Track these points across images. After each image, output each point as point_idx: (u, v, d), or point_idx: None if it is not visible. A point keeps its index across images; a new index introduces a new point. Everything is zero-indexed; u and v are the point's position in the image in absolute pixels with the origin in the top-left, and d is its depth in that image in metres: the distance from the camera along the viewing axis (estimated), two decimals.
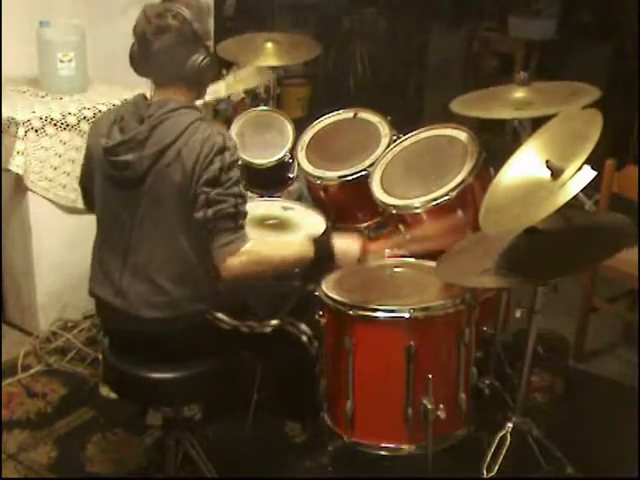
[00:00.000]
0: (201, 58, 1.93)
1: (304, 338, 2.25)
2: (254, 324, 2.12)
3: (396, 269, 2.39)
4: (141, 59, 1.95)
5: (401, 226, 2.53)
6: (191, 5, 1.92)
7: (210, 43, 2.00)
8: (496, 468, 2.20)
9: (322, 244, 2.06)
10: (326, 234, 2.16)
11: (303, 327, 2.24)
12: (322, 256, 2.04)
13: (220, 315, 2.05)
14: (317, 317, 2.22)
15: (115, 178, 1.97)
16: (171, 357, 2.03)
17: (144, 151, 1.90)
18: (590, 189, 1.92)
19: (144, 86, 2.04)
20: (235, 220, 1.91)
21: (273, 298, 2.24)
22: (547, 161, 1.91)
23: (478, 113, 2.42)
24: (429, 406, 2.08)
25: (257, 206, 2.69)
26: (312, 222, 2.71)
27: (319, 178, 2.78)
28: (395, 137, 2.77)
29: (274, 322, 2.16)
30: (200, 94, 2.06)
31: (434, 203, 2.42)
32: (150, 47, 1.90)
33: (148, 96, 2.00)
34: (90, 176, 2.09)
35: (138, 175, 1.92)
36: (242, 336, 2.11)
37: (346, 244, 2.09)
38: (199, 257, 1.97)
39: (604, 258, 2.19)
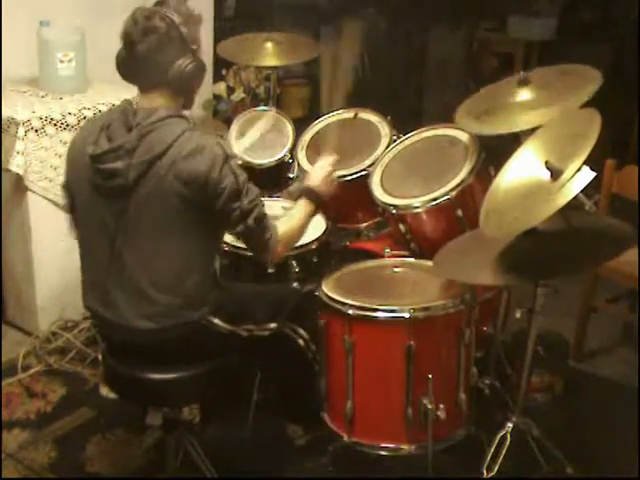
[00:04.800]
0: (187, 62, 1.92)
1: (301, 342, 2.25)
2: (252, 327, 2.12)
3: (396, 269, 2.39)
4: (127, 62, 1.94)
5: (401, 226, 2.53)
6: (180, 10, 1.92)
7: (199, 49, 1.98)
8: (496, 468, 2.20)
9: (310, 194, 2.25)
10: (304, 187, 2.30)
11: (301, 331, 2.25)
12: (318, 201, 2.25)
13: (216, 320, 2.04)
14: (317, 317, 2.23)
15: (101, 187, 1.95)
16: (169, 361, 2.03)
17: (132, 160, 1.88)
18: (590, 189, 1.92)
19: (137, 97, 2.01)
20: (267, 215, 2.04)
21: (271, 302, 2.24)
22: (546, 162, 1.91)
23: (486, 129, 2.40)
24: (429, 406, 2.08)
25: None
26: (312, 222, 2.71)
27: None
28: (395, 137, 2.78)
29: (272, 325, 2.16)
30: (188, 102, 2.04)
31: (434, 203, 2.42)
32: (136, 49, 1.89)
33: (134, 101, 1.98)
34: (69, 183, 2.08)
35: (126, 184, 1.89)
36: (240, 339, 2.11)
37: (317, 176, 2.31)
38: (196, 265, 1.98)
39: (603, 262, 2.19)
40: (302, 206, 2.22)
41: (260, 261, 2.15)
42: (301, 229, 2.20)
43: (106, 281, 2.00)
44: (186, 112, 2.03)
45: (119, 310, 1.99)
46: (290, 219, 2.18)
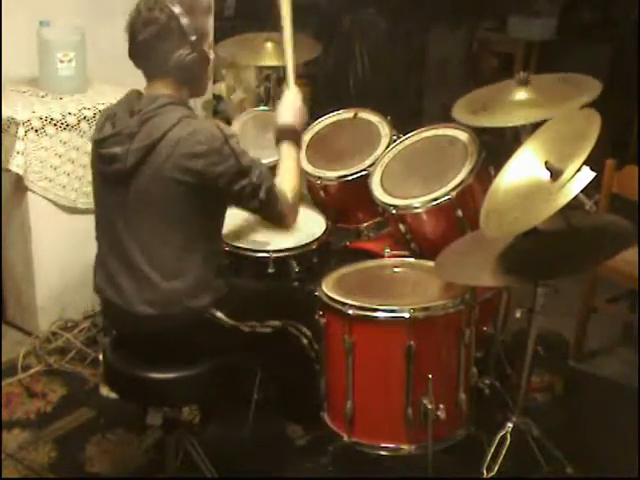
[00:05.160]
0: (186, 53, 1.94)
1: (304, 340, 2.25)
2: (255, 323, 2.13)
3: (396, 269, 2.39)
4: (131, 52, 1.99)
5: (401, 226, 2.53)
6: (184, 1, 1.94)
7: (204, 39, 1.99)
8: (496, 468, 2.20)
9: (288, 134, 2.20)
10: (279, 128, 2.23)
11: (304, 329, 2.25)
12: (296, 137, 2.22)
13: (219, 314, 2.05)
14: (317, 317, 2.23)
15: (103, 172, 2.00)
16: (171, 356, 2.03)
17: (132, 145, 1.91)
18: (590, 189, 1.92)
19: (144, 86, 2.05)
20: (275, 184, 2.05)
21: (274, 300, 2.24)
22: (546, 162, 1.91)
23: (482, 122, 2.41)
24: (429, 406, 2.08)
25: None
26: (312, 222, 2.72)
27: (319, 178, 2.78)
28: (395, 137, 2.77)
29: (275, 323, 2.16)
30: (197, 89, 2.07)
31: (434, 203, 2.42)
32: (137, 38, 1.94)
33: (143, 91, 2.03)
34: None
35: (124, 169, 1.93)
36: (243, 335, 2.11)
37: (287, 112, 2.22)
38: (196, 250, 1.98)
39: (604, 260, 2.19)
40: (286, 152, 2.18)
41: (280, 229, 2.16)
42: (298, 177, 2.18)
43: (112, 265, 2.03)
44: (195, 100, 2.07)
45: (124, 293, 2.01)
46: (286, 174, 2.14)
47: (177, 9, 1.92)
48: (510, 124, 2.37)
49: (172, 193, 1.91)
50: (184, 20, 1.92)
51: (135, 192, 1.94)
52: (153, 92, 1.98)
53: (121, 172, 1.94)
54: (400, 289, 2.30)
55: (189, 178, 1.90)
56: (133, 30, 1.95)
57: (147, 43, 1.94)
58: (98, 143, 1.98)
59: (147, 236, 1.97)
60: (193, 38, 1.94)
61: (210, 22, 2.05)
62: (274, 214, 2.08)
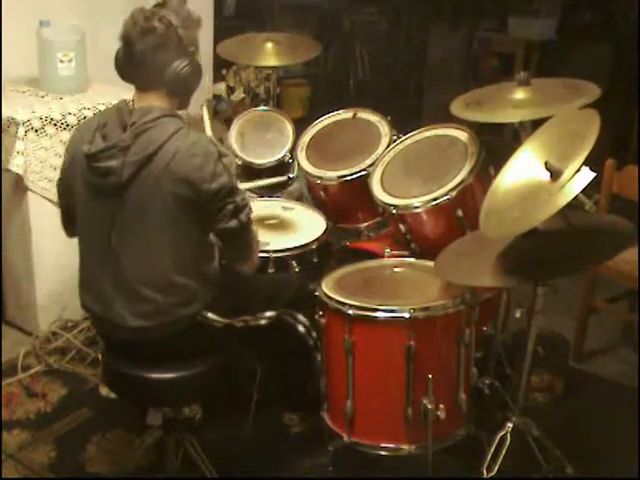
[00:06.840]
0: (183, 64, 1.93)
1: (301, 328, 2.24)
2: (248, 318, 2.12)
3: (396, 269, 2.40)
4: (125, 62, 1.96)
5: (401, 226, 2.53)
6: (179, 12, 1.93)
7: (196, 52, 2.00)
8: (496, 468, 2.20)
9: None
10: None
11: (300, 317, 2.24)
12: None
13: (211, 315, 2.05)
14: (317, 317, 2.23)
15: (96, 185, 1.96)
16: (167, 360, 2.03)
17: (127, 158, 1.89)
18: (590, 189, 1.92)
19: (134, 97, 2.03)
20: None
21: (268, 292, 2.24)
22: (546, 162, 1.91)
23: (478, 117, 2.41)
24: (429, 406, 2.08)
25: (257, 206, 2.69)
26: (312, 222, 2.72)
27: (319, 178, 2.78)
28: (395, 137, 2.78)
29: (269, 314, 2.15)
30: (183, 103, 2.04)
31: (434, 203, 2.42)
32: (134, 48, 1.91)
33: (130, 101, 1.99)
34: (66, 182, 2.08)
35: (120, 182, 1.90)
36: (237, 331, 2.10)
37: None
38: (186, 264, 1.98)
39: (604, 260, 2.19)
40: None
41: (237, 268, 2.10)
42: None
43: (101, 280, 2.01)
44: (182, 112, 2.04)
45: (114, 309, 2.00)
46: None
47: (175, 19, 1.91)
48: (501, 121, 2.40)
49: (165, 205, 1.90)
50: (182, 31, 1.92)
51: (129, 205, 1.92)
52: (145, 104, 1.95)
53: (116, 185, 1.91)
54: (400, 289, 2.30)
55: (184, 190, 1.88)
56: (129, 40, 1.91)
57: (144, 53, 1.90)
58: (90, 156, 1.93)
59: (141, 249, 1.95)
60: (191, 49, 1.94)
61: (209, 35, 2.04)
62: (244, 243, 2.06)
